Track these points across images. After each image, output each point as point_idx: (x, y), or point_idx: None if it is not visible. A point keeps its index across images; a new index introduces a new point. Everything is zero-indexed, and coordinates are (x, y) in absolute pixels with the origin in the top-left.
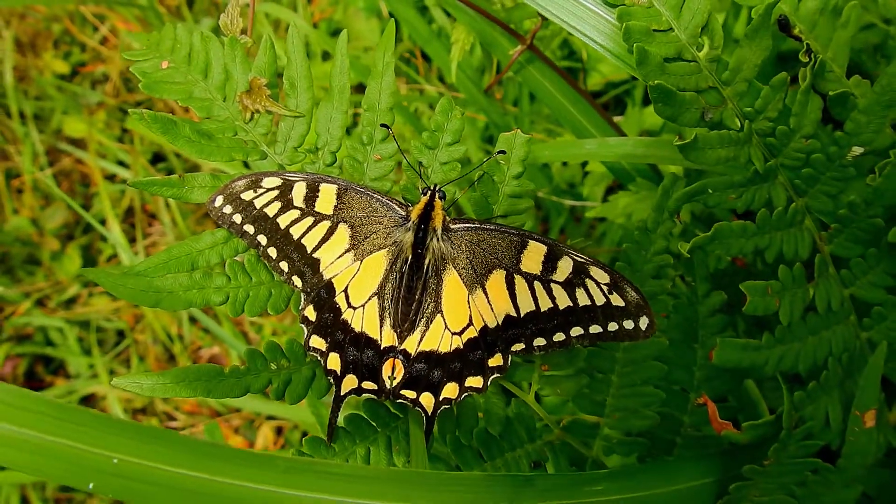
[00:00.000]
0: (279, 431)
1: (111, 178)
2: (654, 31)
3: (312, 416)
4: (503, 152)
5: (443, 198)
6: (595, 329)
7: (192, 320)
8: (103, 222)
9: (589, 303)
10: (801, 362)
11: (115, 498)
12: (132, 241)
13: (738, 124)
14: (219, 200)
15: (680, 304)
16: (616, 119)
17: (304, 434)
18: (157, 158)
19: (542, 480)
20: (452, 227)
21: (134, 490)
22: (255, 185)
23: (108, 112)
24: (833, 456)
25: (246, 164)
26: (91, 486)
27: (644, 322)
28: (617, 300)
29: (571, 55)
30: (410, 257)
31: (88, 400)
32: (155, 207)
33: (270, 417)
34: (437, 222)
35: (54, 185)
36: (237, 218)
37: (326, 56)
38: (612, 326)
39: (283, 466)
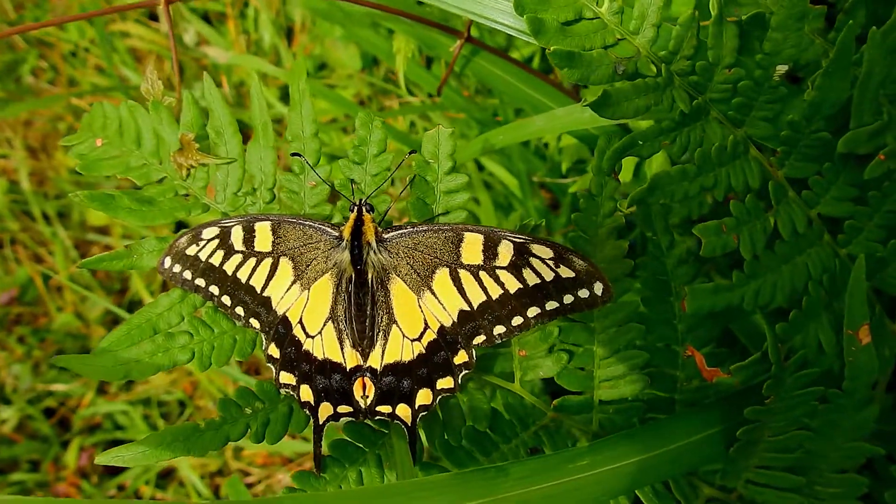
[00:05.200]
0: None
1: None
2: None
3: None
4: (414, 151)
5: (371, 210)
6: (552, 305)
7: (247, 373)
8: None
9: (539, 281)
10: (779, 293)
11: None
12: None
13: (655, 70)
14: (167, 262)
15: (646, 260)
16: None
17: None
18: (182, 224)
19: (518, 467)
20: (386, 236)
21: None
22: (196, 238)
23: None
24: (839, 381)
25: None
26: None
27: (599, 287)
28: (566, 272)
29: None
30: (353, 275)
31: (166, 472)
32: None
33: None
34: (370, 236)
35: (89, 276)
36: (187, 274)
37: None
38: (568, 298)
39: None
